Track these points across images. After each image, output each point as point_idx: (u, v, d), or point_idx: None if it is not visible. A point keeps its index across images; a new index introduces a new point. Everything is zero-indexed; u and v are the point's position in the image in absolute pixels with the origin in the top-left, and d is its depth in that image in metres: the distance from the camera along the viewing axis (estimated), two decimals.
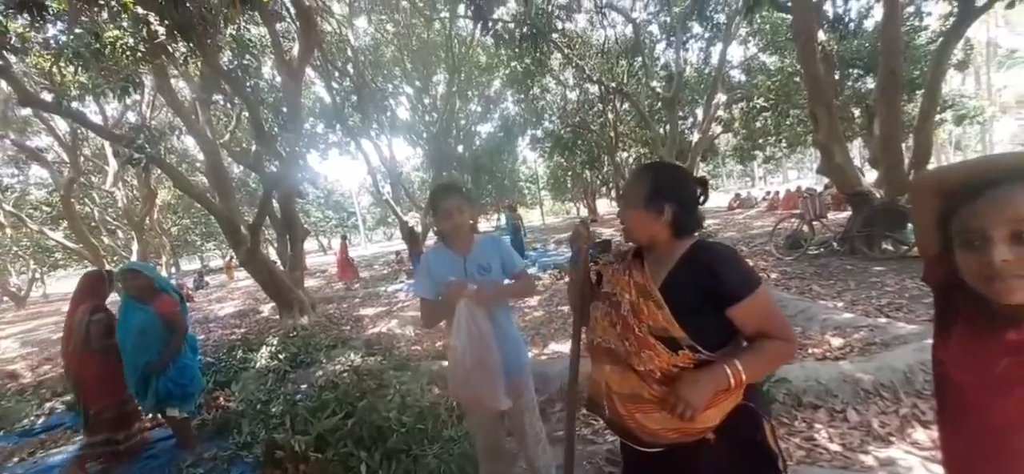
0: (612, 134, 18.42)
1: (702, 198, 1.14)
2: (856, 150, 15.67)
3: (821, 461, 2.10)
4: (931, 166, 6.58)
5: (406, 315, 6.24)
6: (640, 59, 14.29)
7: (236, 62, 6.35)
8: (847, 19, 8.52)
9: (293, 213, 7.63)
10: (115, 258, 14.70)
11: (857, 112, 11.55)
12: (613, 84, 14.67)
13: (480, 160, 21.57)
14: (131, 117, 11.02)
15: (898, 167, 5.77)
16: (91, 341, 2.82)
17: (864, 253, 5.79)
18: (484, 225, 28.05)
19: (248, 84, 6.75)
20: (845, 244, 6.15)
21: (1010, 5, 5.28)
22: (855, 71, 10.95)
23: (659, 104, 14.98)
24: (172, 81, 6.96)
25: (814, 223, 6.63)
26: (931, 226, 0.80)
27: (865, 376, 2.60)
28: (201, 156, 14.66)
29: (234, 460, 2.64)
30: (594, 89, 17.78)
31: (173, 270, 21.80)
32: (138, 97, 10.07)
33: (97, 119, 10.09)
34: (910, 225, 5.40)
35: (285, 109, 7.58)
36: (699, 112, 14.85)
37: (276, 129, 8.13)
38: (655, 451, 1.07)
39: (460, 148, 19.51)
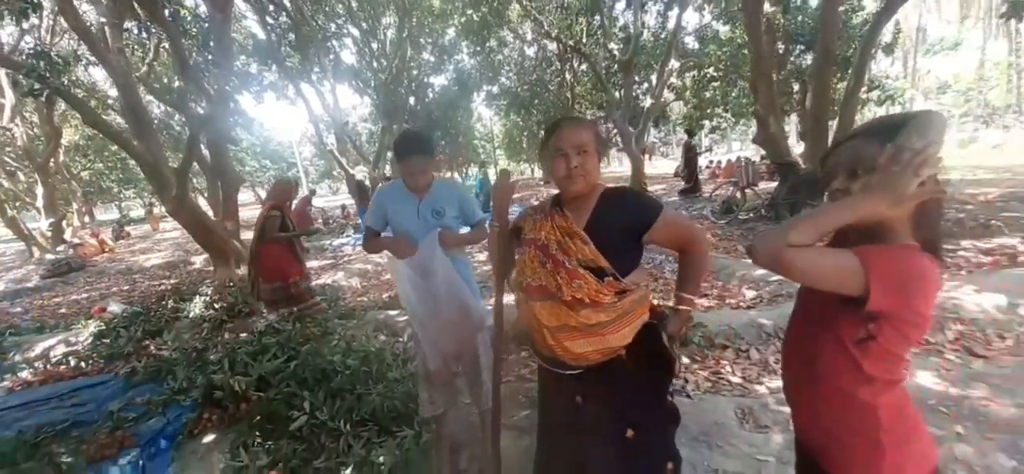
0: (569, 95, 18.43)
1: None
2: (793, 124, 16.68)
3: (724, 391, 2.40)
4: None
5: (353, 268, 6.16)
6: (599, 18, 14.23)
7: None
8: None
9: (225, 159, 7.13)
10: (17, 204, 13.14)
11: (796, 87, 12.25)
12: (571, 42, 14.56)
13: (433, 115, 20.87)
14: (27, 44, 9.60)
15: (823, 141, 6.28)
16: (265, 235, 3.59)
17: (787, 218, 6.35)
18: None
19: (168, 10, 6.07)
20: (771, 210, 6.70)
21: None
22: (798, 47, 11.51)
23: (615, 67, 15.10)
24: (76, 2, 6.12)
25: (746, 190, 7.14)
26: (835, 262, 0.89)
27: (768, 322, 2.95)
28: (113, 91, 13.20)
29: (169, 404, 2.58)
30: (552, 46, 17.58)
31: (86, 219, 19.82)
32: (37, 20, 8.80)
33: None
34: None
35: (212, 43, 6.92)
36: (654, 78, 15.13)
37: (202, 65, 7.42)
38: (576, 372, 1.21)
39: (412, 100, 18.72)
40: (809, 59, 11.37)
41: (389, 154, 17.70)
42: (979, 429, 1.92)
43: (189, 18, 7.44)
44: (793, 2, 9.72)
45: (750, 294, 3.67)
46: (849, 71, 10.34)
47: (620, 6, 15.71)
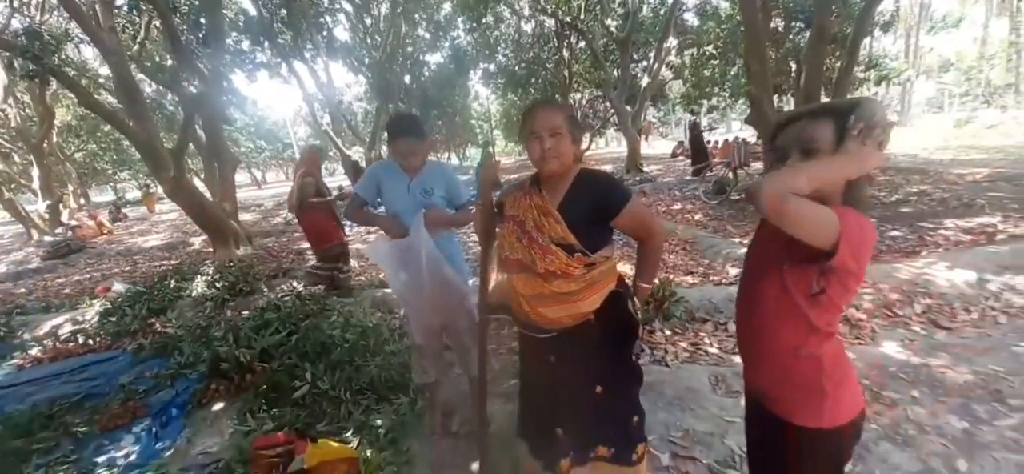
0: (566, 73, 18.25)
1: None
2: (791, 104, 16.61)
3: (701, 360, 2.55)
4: None
5: (352, 248, 6.25)
6: None
7: None
8: None
9: (220, 140, 7.16)
10: (13, 186, 13.12)
11: (794, 66, 12.17)
12: (568, 19, 14.35)
13: (429, 94, 20.66)
14: (16, 24, 9.46)
15: None
16: (303, 200, 3.81)
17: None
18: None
19: None
20: None
21: None
22: (797, 24, 11.40)
23: (613, 44, 14.95)
24: None
25: (739, 170, 7.22)
26: (820, 213, 1.00)
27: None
28: (103, 70, 13.02)
29: (177, 377, 2.72)
30: (550, 23, 17.33)
31: (82, 201, 19.77)
32: None
33: None
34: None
35: (203, 20, 6.87)
36: (652, 56, 14.99)
37: (194, 43, 7.36)
38: (550, 335, 1.34)
39: (407, 78, 18.53)
40: (808, 37, 11.29)
41: (384, 134, 17.63)
42: (934, 393, 2.07)
43: None
44: None
45: (733, 271, 3.81)
46: (840, 49, 10.30)
47: None
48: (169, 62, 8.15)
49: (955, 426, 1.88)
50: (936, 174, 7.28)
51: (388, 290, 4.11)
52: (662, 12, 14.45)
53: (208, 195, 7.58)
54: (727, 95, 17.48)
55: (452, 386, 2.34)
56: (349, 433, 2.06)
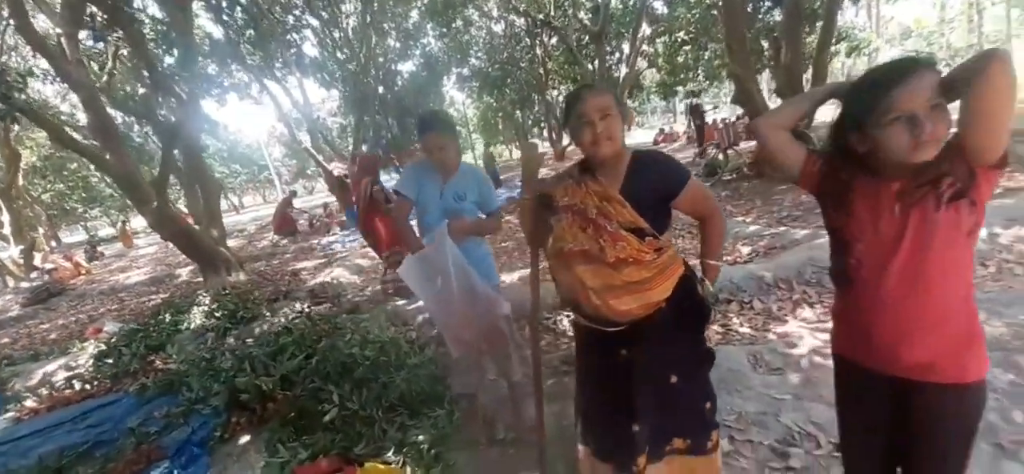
0: (542, 71, 18.28)
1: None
2: (764, 82, 16.94)
3: (734, 341, 2.53)
4: None
5: (350, 264, 6.11)
6: None
7: None
8: None
9: (202, 165, 6.93)
10: None
11: (766, 45, 12.40)
12: (540, 16, 14.38)
13: (404, 102, 20.47)
14: None
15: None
16: (378, 204, 4.00)
17: (769, 176, 6.53)
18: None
19: (126, 12, 5.77)
20: (753, 168, 6.89)
21: None
22: (765, 3, 11.62)
23: (586, 38, 15.02)
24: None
25: (728, 150, 7.30)
26: (790, 149, 1.10)
27: (767, 273, 3.08)
28: (64, 107, 12.49)
29: (189, 414, 2.58)
30: (520, 22, 17.35)
31: (53, 243, 18.98)
32: None
33: None
34: None
35: (176, 45, 6.63)
36: (626, 47, 15.10)
37: (164, 69, 7.08)
38: (620, 328, 1.28)
39: (381, 89, 18.30)
40: (777, 16, 11.52)
41: (364, 147, 17.38)
42: None
43: (146, 22, 7.10)
44: None
45: (745, 250, 3.81)
46: (817, 24, 10.56)
47: None
48: (140, 91, 7.84)
49: (1002, 379, 1.89)
50: None
51: (400, 302, 4.01)
52: (632, 3, 14.59)
53: (193, 223, 7.31)
54: (702, 79, 17.77)
55: (490, 393, 2.27)
56: (390, 452, 1.96)
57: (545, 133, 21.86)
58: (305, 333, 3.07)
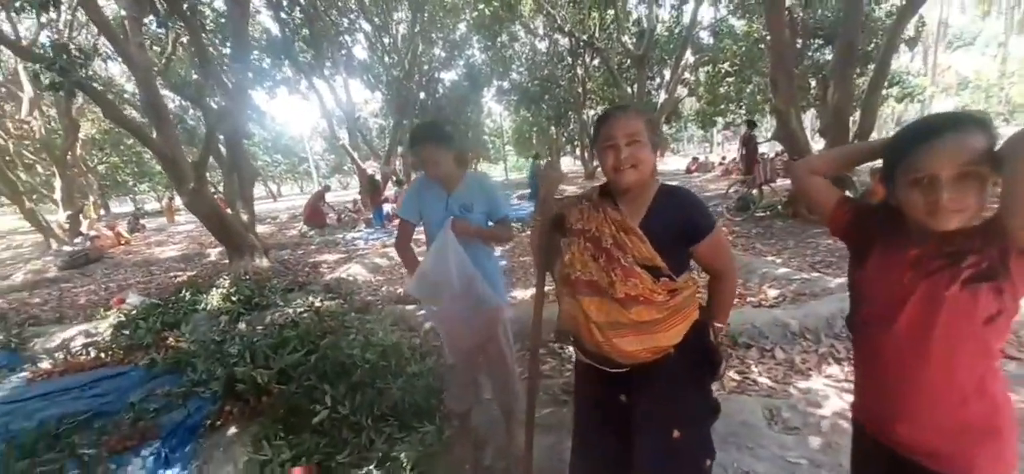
0: (580, 90, 18.29)
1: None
2: (809, 120, 16.38)
3: (751, 391, 2.34)
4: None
5: (368, 262, 6.16)
6: (613, 12, 14.07)
7: None
8: None
9: (241, 153, 7.17)
10: (34, 196, 13.36)
11: (813, 82, 12.01)
12: (585, 37, 14.42)
13: (443, 110, 20.88)
14: (45, 39, 9.70)
15: (844, 138, 6.13)
16: None
17: (804, 216, 6.22)
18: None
19: (186, 4, 6.10)
20: (788, 207, 6.58)
21: None
22: (816, 41, 11.28)
23: (628, 61, 14.93)
24: None
25: (764, 187, 7.01)
26: (824, 192, 1.06)
27: (793, 321, 2.88)
28: (129, 86, 13.34)
29: (189, 396, 2.59)
30: (564, 41, 17.45)
31: (102, 212, 20.15)
32: (54, 15, 8.89)
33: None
34: (849, 193, 5.82)
35: (230, 37, 6.96)
36: (667, 73, 14.92)
37: (219, 59, 7.46)
38: (622, 370, 1.18)
39: (422, 95, 18.73)
40: (828, 54, 11.14)
41: (400, 148, 17.76)
42: (1021, 435, 1.84)
43: (207, 13, 7.48)
44: None
45: (772, 293, 3.59)
46: (868, 66, 10.15)
47: (633, 0, 15.55)
48: (194, 77, 8.25)
49: None
50: None
51: (409, 306, 3.98)
52: (677, 30, 14.43)
53: (227, 208, 7.58)
54: (743, 112, 17.36)
55: (484, 413, 2.18)
56: (372, 466, 1.89)
57: (578, 151, 21.77)
58: (310, 328, 3.08)
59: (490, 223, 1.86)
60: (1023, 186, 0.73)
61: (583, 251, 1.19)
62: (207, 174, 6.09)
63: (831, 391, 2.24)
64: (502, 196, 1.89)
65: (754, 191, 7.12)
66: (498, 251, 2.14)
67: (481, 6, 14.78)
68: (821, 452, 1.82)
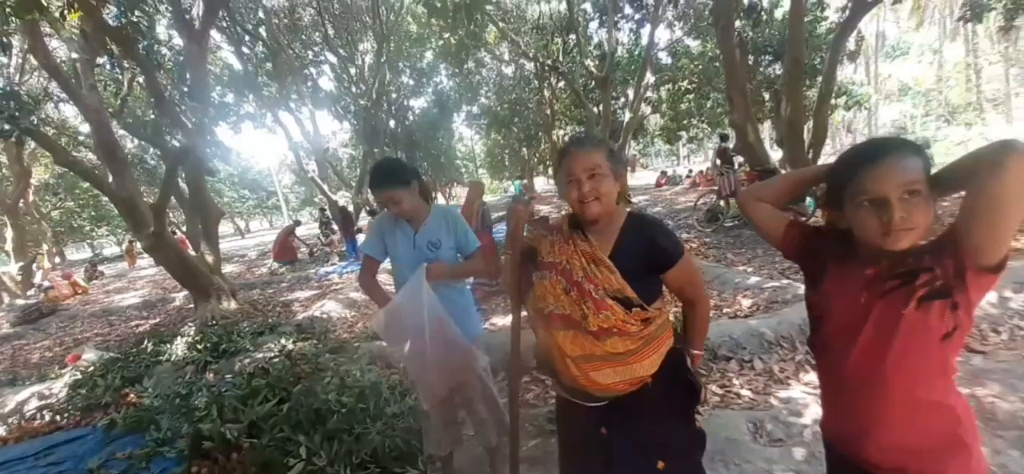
0: (548, 112, 18.64)
1: None
2: (765, 132, 17.13)
3: (734, 405, 2.37)
4: (826, 149, 7.44)
5: (343, 297, 6.00)
6: (574, 37, 14.50)
7: (124, 18, 5.54)
8: (760, 8, 9.20)
9: (204, 192, 6.94)
10: None
11: (767, 96, 12.61)
12: (549, 61, 14.79)
13: (414, 137, 20.88)
14: None
15: (800, 147, 6.43)
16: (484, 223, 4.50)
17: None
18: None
19: (141, 44, 5.95)
20: None
21: (896, 0, 6.02)
22: (766, 58, 11.89)
23: (593, 83, 15.35)
24: (46, 40, 5.96)
25: (730, 198, 7.24)
26: (771, 220, 1.09)
27: (768, 330, 2.94)
28: (85, 127, 12.81)
29: (153, 457, 2.42)
30: (530, 66, 17.83)
31: (57, 260, 19.05)
32: (4, 60, 8.52)
33: None
34: (809, 198, 6.08)
35: (189, 75, 6.81)
36: (630, 92, 15.38)
37: (177, 97, 7.25)
38: (601, 404, 1.17)
39: (392, 123, 18.71)
40: (777, 69, 11.77)
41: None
42: (990, 427, 1.92)
43: (165, 53, 7.30)
44: (760, 16, 10.10)
45: (746, 302, 3.68)
46: (817, 78, 10.77)
47: (594, 25, 16.07)
48: (151, 116, 8.00)
49: (1020, 461, 1.73)
50: None
51: (384, 342, 3.87)
52: (637, 52, 14.97)
53: (190, 249, 7.29)
54: (705, 125, 18.07)
55: (466, 453, 2.11)
56: None
57: (551, 172, 22.06)
58: (281, 375, 2.94)
59: (459, 257, 1.83)
60: (982, 202, 0.76)
61: (555, 284, 1.19)
62: (170, 214, 5.87)
63: (810, 399, 2.29)
64: (470, 230, 1.84)
65: (721, 202, 7.34)
66: (469, 282, 2.10)
67: (446, 35, 14.98)
68: (805, 464, 1.84)
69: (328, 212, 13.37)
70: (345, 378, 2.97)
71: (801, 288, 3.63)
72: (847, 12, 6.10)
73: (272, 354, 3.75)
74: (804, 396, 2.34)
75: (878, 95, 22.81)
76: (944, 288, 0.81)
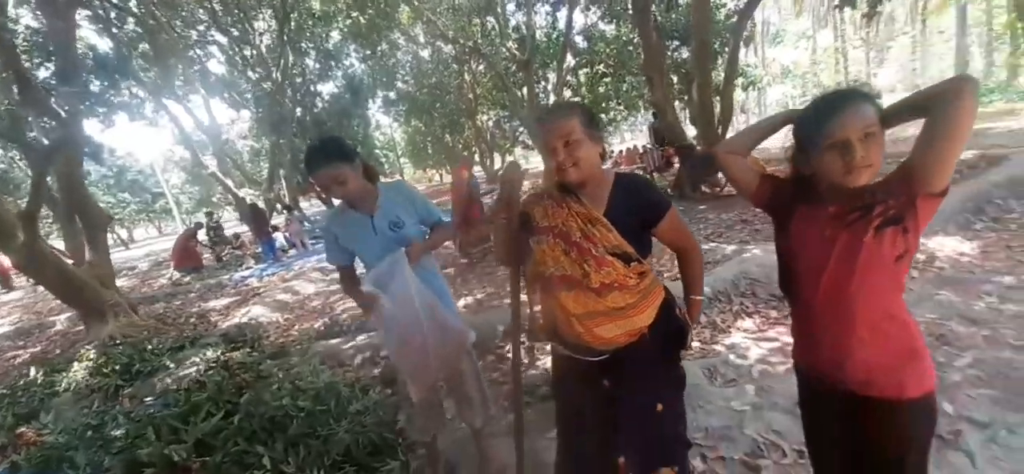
0: (471, 96, 18.43)
1: None
2: (677, 110, 18.50)
3: (688, 356, 2.58)
4: (732, 126, 8.25)
5: (270, 301, 5.52)
6: (492, 19, 14.43)
7: None
8: None
9: (84, 194, 5.95)
10: None
11: (676, 79, 13.59)
12: (469, 44, 14.58)
13: (325, 125, 19.51)
14: None
15: (711, 124, 7.06)
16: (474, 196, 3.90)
17: (690, 196, 7.04)
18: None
19: None
20: (676, 189, 7.38)
21: None
22: (673, 42, 12.77)
23: (514, 67, 15.45)
24: None
25: (654, 173, 7.78)
26: (747, 171, 1.18)
27: (706, 288, 3.23)
28: None
29: None
30: (447, 49, 17.45)
31: None
32: None
33: None
34: (721, 174, 6.72)
35: (55, 58, 5.73)
36: (551, 76, 15.72)
37: (39, 85, 6.06)
38: (603, 357, 1.22)
39: (299, 110, 17.26)
40: (684, 53, 12.74)
41: (282, 171, 16.18)
42: None
43: (18, 30, 6.08)
44: (672, 1, 10.82)
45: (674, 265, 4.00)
46: (718, 61, 11.84)
47: (511, 8, 16.13)
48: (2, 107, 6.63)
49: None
50: None
51: (333, 341, 3.66)
52: (554, 36, 15.30)
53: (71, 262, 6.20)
54: (622, 108, 19.06)
55: (449, 436, 2.08)
56: None
57: (477, 158, 21.93)
58: (222, 386, 2.66)
59: (426, 230, 1.72)
60: (938, 130, 0.89)
61: (554, 247, 1.22)
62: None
63: (750, 341, 2.58)
64: (426, 200, 1.74)
65: (651, 176, 7.86)
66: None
67: (355, 14, 14.10)
68: (757, 396, 2.07)
69: (216, 216, 11.91)
70: (297, 382, 2.76)
71: (727, 249, 4.05)
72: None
73: (200, 367, 3.36)
74: (745, 341, 2.63)
75: (768, 76, 25.60)
76: (896, 215, 0.94)
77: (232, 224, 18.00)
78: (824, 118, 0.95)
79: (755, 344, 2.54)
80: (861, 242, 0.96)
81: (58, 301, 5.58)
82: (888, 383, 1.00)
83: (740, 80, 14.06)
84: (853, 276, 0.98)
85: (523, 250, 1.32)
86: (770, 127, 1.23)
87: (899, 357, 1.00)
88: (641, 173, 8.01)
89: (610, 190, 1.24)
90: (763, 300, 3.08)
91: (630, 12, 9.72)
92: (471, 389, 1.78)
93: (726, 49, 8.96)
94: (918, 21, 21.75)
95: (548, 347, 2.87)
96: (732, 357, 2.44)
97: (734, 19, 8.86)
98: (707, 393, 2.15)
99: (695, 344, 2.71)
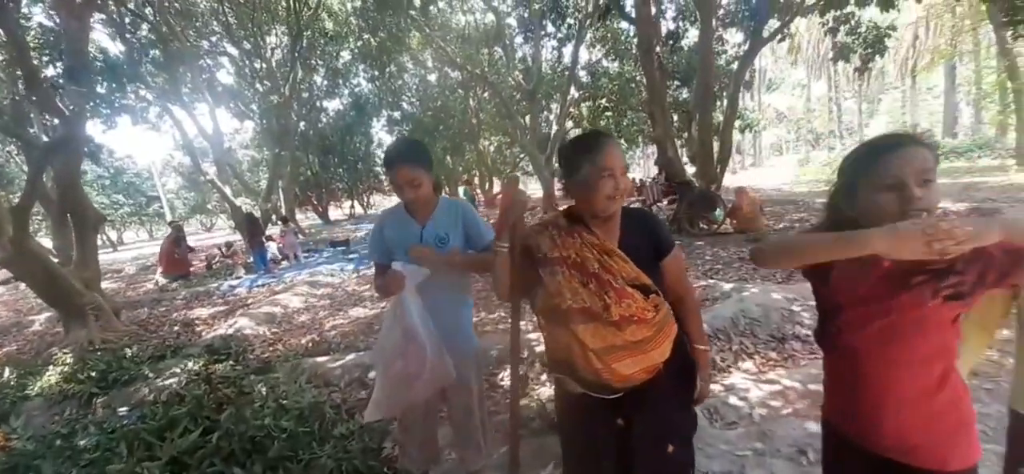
0: (475, 121, 18.65)
1: None
2: (677, 148, 18.86)
3: None
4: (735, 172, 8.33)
5: (257, 313, 5.39)
6: (500, 50, 14.72)
7: None
8: (677, 35, 10.12)
9: (80, 193, 5.87)
10: None
11: (676, 117, 13.85)
12: (477, 71, 14.85)
13: (328, 141, 19.67)
14: None
15: (710, 162, 7.15)
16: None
17: (688, 231, 7.05)
18: (335, 212, 25.72)
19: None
20: (674, 224, 7.40)
21: (781, 39, 7.02)
22: (675, 82, 13.07)
23: (519, 95, 15.70)
24: None
25: (653, 207, 7.82)
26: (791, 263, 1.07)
27: (705, 325, 3.18)
28: None
29: None
30: (455, 74, 17.75)
31: None
32: None
33: None
34: (718, 209, 6.75)
35: (64, 56, 5.74)
36: (554, 106, 15.97)
37: (48, 83, 6.06)
38: (618, 396, 1.17)
39: (303, 125, 17.40)
40: (685, 93, 13.02)
41: (281, 182, 16.16)
42: None
43: (30, 27, 6.11)
44: (676, 42, 11.13)
45: None
46: (718, 103, 12.10)
47: (519, 40, 16.50)
48: (8, 100, 6.61)
49: None
50: (804, 203, 8.61)
51: (320, 358, 3.56)
52: (559, 69, 15.63)
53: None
54: (623, 141, 19.29)
55: (441, 470, 1.99)
56: None
57: (477, 181, 22.08)
58: (202, 400, 2.55)
59: (470, 252, 1.65)
60: None
61: (570, 279, 1.16)
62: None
63: (750, 383, 2.51)
64: (482, 220, 1.68)
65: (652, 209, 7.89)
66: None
67: (366, 36, 14.36)
68: (759, 441, 2.00)
69: (183, 227, 11.56)
70: (281, 400, 2.65)
71: (726, 286, 4.02)
72: (747, 46, 6.94)
73: (180, 379, 3.25)
74: (744, 382, 2.56)
75: (764, 120, 26.25)
76: (966, 293, 0.86)
77: (225, 233, 17.83)
78: (879, 157, 0.89)
79: (755, 385, 2.47)
80: (924, 305, 0.88)
81: (38, 300, 5.41)
82: (931, 455, 0.92)
83: (738, 122, 14.38)
84: (906, 338, 0.90)
85: (527, 282, 1.27)
86: (818, 249, 0.98)
87: (946, 426, 0.93)
88: (641, 204, 8.06)
89: (619, 222, 1.21)
90: (763, 341, 3.03)
91: (634, 52, 9.98)
92: (473, 423, 1.70)
93: (726, 92, 9.16)
94: (908, 77, 22.46)
95: (543, 378, 2.80)
96: (732, 399, 2.37)
97: (734, 65, 9.09)
98: (708, 436, 2.08)
99: None
